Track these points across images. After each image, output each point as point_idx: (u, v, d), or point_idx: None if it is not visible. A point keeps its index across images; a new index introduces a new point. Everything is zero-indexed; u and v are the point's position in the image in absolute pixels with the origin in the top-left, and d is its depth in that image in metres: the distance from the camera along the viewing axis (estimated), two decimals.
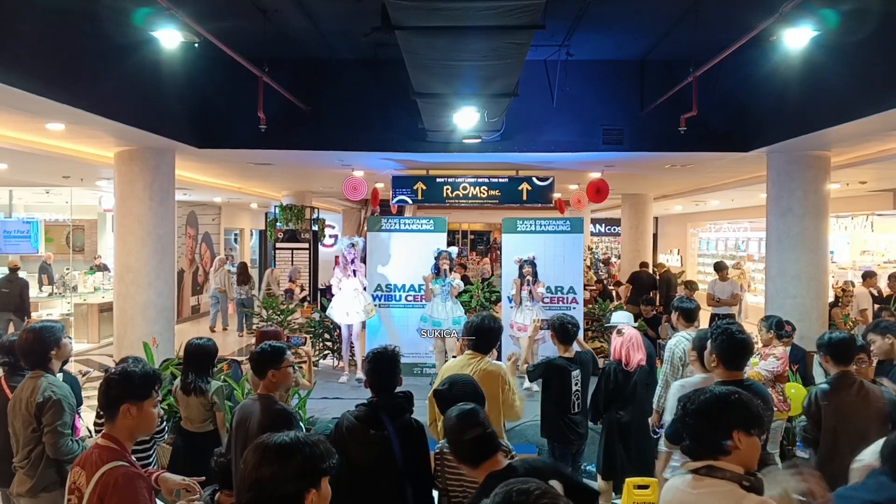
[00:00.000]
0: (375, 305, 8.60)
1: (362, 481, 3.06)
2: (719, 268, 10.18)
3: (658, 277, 13.37)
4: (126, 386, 2.48)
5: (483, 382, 3.46)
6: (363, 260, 8.74)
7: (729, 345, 3.30)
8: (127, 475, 2.35)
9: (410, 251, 9.07)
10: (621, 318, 5.58)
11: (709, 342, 3.42)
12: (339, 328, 9.07)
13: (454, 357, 4.97)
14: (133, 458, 2.52)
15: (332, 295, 8.58)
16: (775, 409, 4.86)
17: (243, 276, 13.16)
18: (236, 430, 3.38)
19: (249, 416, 3.34)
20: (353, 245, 8.22)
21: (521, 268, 7.87)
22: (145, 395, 2.49)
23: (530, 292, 7.72)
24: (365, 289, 8.39)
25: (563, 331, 4.81)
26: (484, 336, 3.98)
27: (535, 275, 7.79)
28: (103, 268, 14.38)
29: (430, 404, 3.85)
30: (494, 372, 3.87)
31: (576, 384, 4.71)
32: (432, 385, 6.95)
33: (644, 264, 13.29)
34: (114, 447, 2.42)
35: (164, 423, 4.48)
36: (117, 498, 2.30)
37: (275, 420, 3.23)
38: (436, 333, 8.22)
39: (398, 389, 3.27)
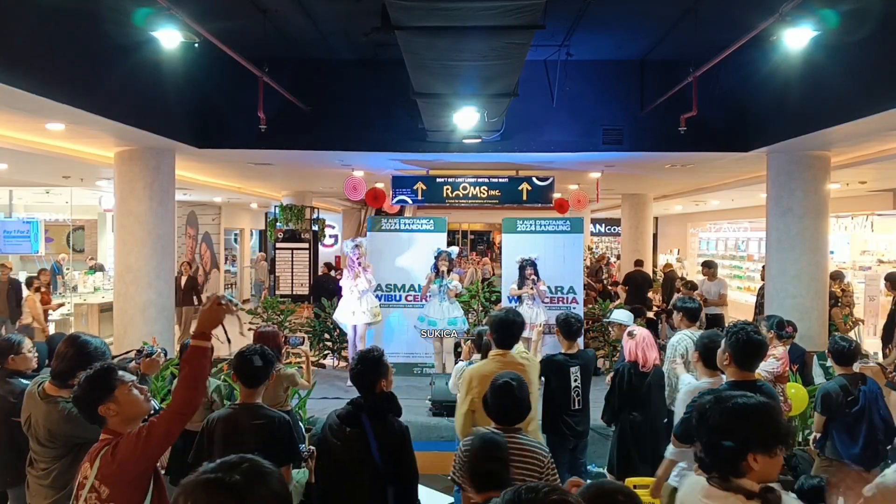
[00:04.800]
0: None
1: (344, 479, 3.14)
2: (708, 266, 10.17)
3: (663, 277, 13.34)
4: (84, 400, 2.54)
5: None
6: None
7: (745, 344, 3.27)
8: (117, 441, 2.45)
9: (411, 251, 9.07)
10: (622, 317, 5.57)
11: (723, 341, 3.40)
12: (340, 329, 9.08)
13: (462, 362, 4.97)
14: None
15: (331, 296, 8.59)
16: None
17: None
18: (223, 443, 3.18)
19: (238, 427, 3.21)
20: (357, 246, 8.23)
21: (522, 268, 7.89)
22: (109, 390, 2.53)
23: (534, 290, 7.75)
24: (376, 287, 8.38)
25: (567, 326, 4.82)
26: (507, 331, 3.97)
27: (536, 274, 7.83)
28: (99, 268, 14.41)
29: (466, 418, 3.85)
30: (523, 366, 3.91)
31: (575, 380, 4.69)
32: (432, 385, 7.00)
33: (639, 262, 13.15)
34: (110, 437, 2.51)
35: None
36: (122, 451, 2.41)
37: (275, 430, 3.20)
38: (433, 333, 8.24)
39: (391, 391, 3.28)
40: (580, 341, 5.30)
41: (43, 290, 9.92)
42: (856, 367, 5.93)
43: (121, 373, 2.61)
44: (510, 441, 3.02)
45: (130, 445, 2.43)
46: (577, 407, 4.71)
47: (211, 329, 2.56)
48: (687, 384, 3.99)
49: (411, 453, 3.22)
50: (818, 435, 4.76)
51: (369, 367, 3.25)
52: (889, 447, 4.54)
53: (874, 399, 4.53)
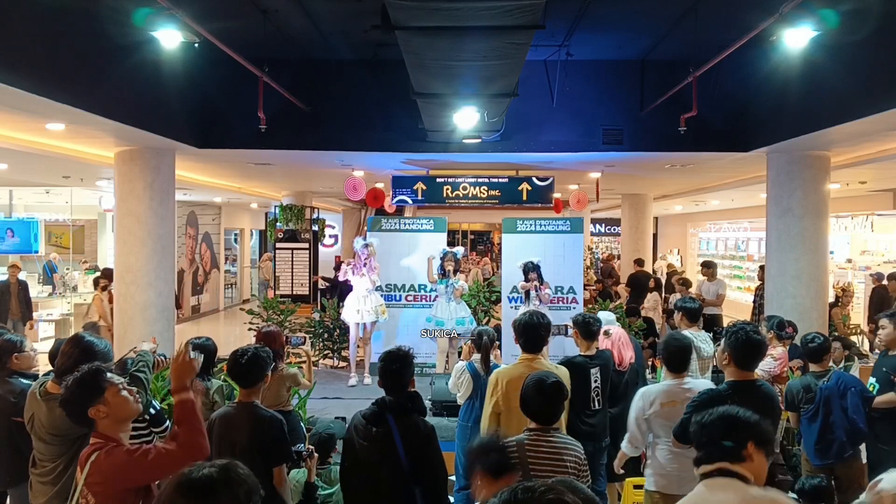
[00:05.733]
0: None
1: (369, 478, 3.15)
2: (707, 266, 10.21)
3: (666, 276, 13.34)
4: (73, 403, 2.52)
5: None
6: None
7: (744, 344, 3.27)
8: (108, 450, 2.44)
9: (411, 252, 9.08)
10: (607, 319, 5.56)
11: (723, 340, 3.42)
12: (340, 329, 9.09)
13: (462, 362, 4.95)
14: (126, 440, 2.59)
15: (332, 295, 8.59)
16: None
17: None
18: (219, 441, 3.20)
19: (233, 426, 3.24)
20: (367, 245, 8.24)
21: (526, 272, 7.85)
22: (98, 392, 2.51)
23: (537, 294, 7.75)
24: (377, 288, 8.38)
25: (586, 326, 4.71)
26: (532, 333, 3.93)
27: (540, 278, 7.79)
28: (95, 269, 14.43)
29: (491, 418, 3.85)
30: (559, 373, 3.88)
31: (595, 381, 4.61)
32: (432, 385, 7.01)
33: (639, 262, 13.04)
34: (101, 442, 2.50)
35: (168, 420, 4.44)
36: (111, 464, 2.41)
37: (267, 430, 3.21)
38: (436, 333, 8.25)
39: (412, 390, 3.29)
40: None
41: (110, 289, 9.99)
42: (855, 370, 5.96)
43: (109, 374, 2.60)
44: (551, 439, 3.04)
45: (120, 461, 2.42)
46: (596, 407, 4.63)
47: (187, 380, 2.61)
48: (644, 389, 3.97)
49: (438, 453, 3.21)
50: None
51: (403, 365, 3.26)
52: (855, 446, 4.55)
53: (840, 395, 4.54)
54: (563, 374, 3.96)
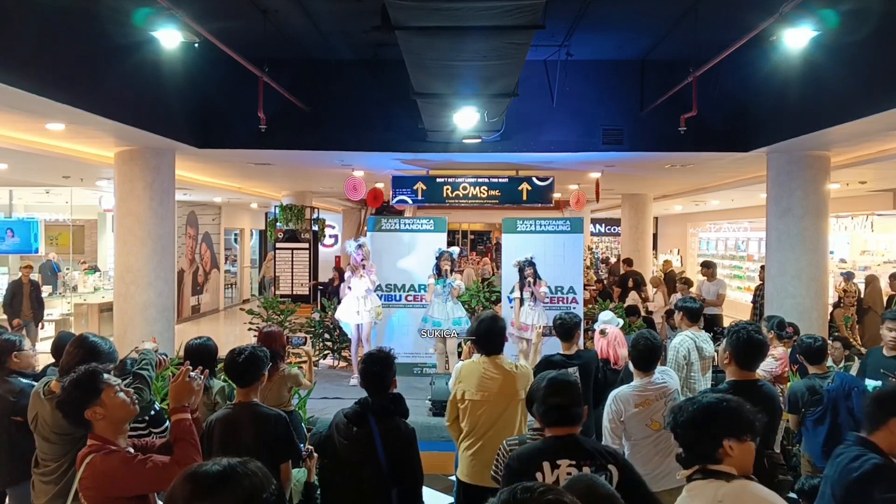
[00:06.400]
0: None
1: (348, 477, 3.17)
2: (707, 266, 10.21)
3: (663, 276, 13.33)
4: (69, 404, 2.51)
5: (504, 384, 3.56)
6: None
7: (745, 344, 3.28)
8: (105, 454, 2.43)
9: (411, 251, 9.07)
10: (606, 318, 5.57)
11: (724, 340, 3.42)
12: (340, 329, 9.09)
13: (462, 361, 4.93)
14: (123, 443, 2.58)
15: (334, 295, 8.57)
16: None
17: None
18: (223, 442, 3.19)
19: (236, 426, 3.22)
20: (360, 246, 8.23)
21: (521, 270, 7.83)
22: (95, 393, 2.51)
23: (532, 293, 7.72)
24: (376, 288, 8.37)
25: (561, 327, 4.75)
26: (488, 338, 3.92)
27: (535, 275, 7.77)
28: (93, 269, 14.43)
29: (451, 405, 3.90)
30: (513, 375, 3.84)
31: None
32: (432, 385, 7.00)
33: (629, 262, 12.91)
34: (98, 444, 2.49)
35: (168, 421, 4.42)
36: (104, 469, 2.41)
37: (272, 428, 3.20)
38: (436, 334, 8.23)
39: (395, 391, 3.29)
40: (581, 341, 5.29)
41: None
42: (854, 370, 5.96)
43: (106, 375, 2.60)
44: None
45: (115, 466, 2.41)
46: None
47: (186, 401, 2.68)
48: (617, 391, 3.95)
49: (417, 456, 3.23)
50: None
51: (384, 367, 3.27)
52: None
53: (845, 397, 4.54)
54: (522, 376, 3.90)
